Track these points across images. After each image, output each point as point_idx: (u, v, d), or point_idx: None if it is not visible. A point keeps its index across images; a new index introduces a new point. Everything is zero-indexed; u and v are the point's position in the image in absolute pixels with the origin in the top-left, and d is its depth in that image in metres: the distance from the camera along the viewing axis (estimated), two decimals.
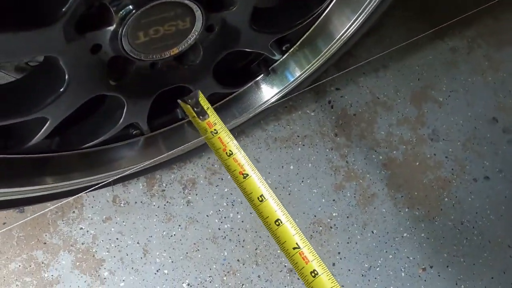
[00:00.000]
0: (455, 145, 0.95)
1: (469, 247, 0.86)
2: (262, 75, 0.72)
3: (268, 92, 0.74)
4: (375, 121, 0.94)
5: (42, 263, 0.75)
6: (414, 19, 1.06)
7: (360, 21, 0.60)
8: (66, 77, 0.41)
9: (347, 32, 0.62)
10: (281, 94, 0.72)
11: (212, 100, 0.63)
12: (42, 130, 0.47)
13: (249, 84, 0.73)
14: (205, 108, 0.54)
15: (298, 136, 0.90)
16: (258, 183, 0.49)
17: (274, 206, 0.48)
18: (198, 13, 0.44)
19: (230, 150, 0.51)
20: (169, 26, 0.44)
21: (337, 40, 0.63)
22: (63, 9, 0.33)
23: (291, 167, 0.88)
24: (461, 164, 0.93)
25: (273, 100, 0.72)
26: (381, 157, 0.91)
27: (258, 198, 0.48)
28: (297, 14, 0.56)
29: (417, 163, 0.92)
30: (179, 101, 0.54)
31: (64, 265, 0.75)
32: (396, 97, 0.98)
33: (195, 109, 0.54)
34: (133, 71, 0.49)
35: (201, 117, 0.53)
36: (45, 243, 0.76)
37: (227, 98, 0.73)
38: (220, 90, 0.62)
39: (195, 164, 0.85)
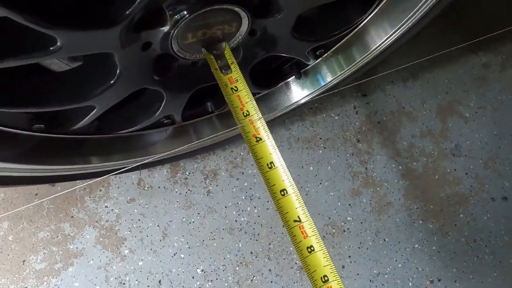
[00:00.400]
0: (477, 162, 0.95)
1: (479, 265, 0.87)
2: (294, 76, 0.74)
3: (298, 93, 0.75)
4: (398, 130, 0.95)
5: (69, 235, 0.79)
6: (450, 31, 1.04)
7: (397, 35, 0.61)
8: (118, 71, 0.43)
9: (383, 44, 0.63)
10: (310, 97, 0.73)
11: None
12: (88, 116, 0.50)
13: (279, 85, 0.75)
14: (229, 62, 0.50)
15: (321, 139, 0.92)
16: (270, 149, 0.47)
17: (282, 175, 0.46)
18: (245, 19, 0.46)
19: (247, 111, 0.49)
20: (216, 30, 0.46)
21: (372, 51, 0.64)
22: (127, 12, 0.35)
23: (311, 168, 0.90)
24: (480, 182, 0.93)
25: (302, 102, 0.74)
26: (400, 167, 0.92)
27: (267, 165, 0.46)
28: (338, 25, 0.57)
29: (436, 177, 0.92)
30: (203, 50, 0.49)
31: (88, 239, 0.80)
32: (422, 108, 0.98)
33: (219, 61, 0.49)
34: (175, 68, 0.51)
35: (223, 71, 0.49)
36: (72, 216, 0.81)
37: (257, 96, 0.75)
38: (253, 90, 0.64)
39: (218, 156, 0.88)
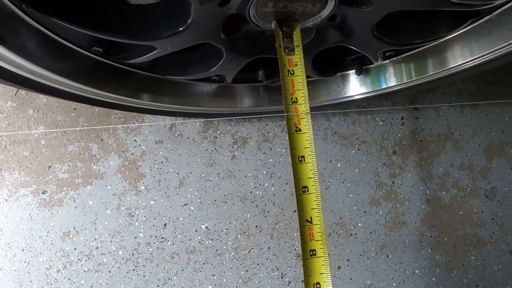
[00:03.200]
0: (508, 211, 0.90)
1: None
2: (354, 71, 0.70)
3: (354, 88, 0.72)
4: (438, 155, 0.91)
5: (95, 156, 0.83)
6: None
7: (483, 60, 0.56)
8: (189, 20, 0.42)
9: (464, 65, 0.58)
10: (366, 96, 0.70)
11: None
12: (147, 55, 0.50)
13: (336, 74, 0.72)
14: (295, 44, 0.48)
15: (358, 139, 0.89)
16: (306, 143, 0.47)
17: (309, 173, 0.46)
18: (331, 2, 0.43)
19: (296, 98, 0.48)
20: (298, 6, 0.43)
21: (450, 68, 0.60)
22: None
23: (339, 165, 0.88)
24: (504, 232, 0.89)
25: (356, 98, 0.71)
26: (428, 192, 0.89)
27: (298, 157, 0.46)
28: (424, 34, 0.53)
29: (461, 212, 0.89)
30: (274, 23, 0.48)
31: (111, 165, 0.83)
32: (471, 140, 0.92)
33: (285, 39, 0.48)
34: (243, 31, 0.49)
35: (286, 50, 0.48)
36: (102, 140, 0.83)
37: (311, 79, 0.73)
38: (311, 75, 0.62)
39: (253, 125, 0.87)
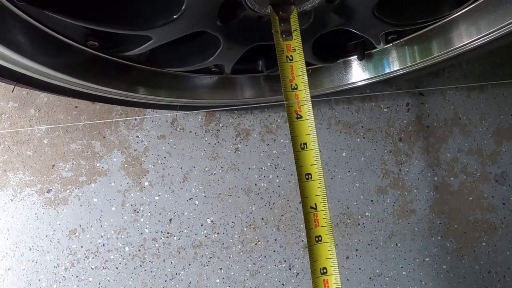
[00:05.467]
0: None
1: None
2: (356, 56, 0.69)
3: (356, 75, 0.70)
4: (445, 140, 0.89)
5: (98, 153, 0.82)
6: None
7: (491, 38, 0.54)
8: (183, 7, 0.41)
9: (471, 44, 0.56)
10: (370, 81, 0.69)
11: None
12: (143, 46, 0.49)
13: (338, 61, 0.71)
14: (293, 29, 0.46)
15: (363, 127, 0.88)
16: (308, 130, 0.46)
17: (312, 160, 0.45)
18: None
19: (296, 84, 0.47)
20: None
21: (456, 49, 0.58)
22: None
23: (344, 154, 0.87)
24: None
25: (360, 84, 0.70)
26: (436, 178, 0.87)
27: (300, 145, 0.46)
28: (426, 13, 0.51)
29: (470, 198, 0.87)
30: (270, 7, 0.46)
31: (114, 162, 0.82)
32: (479, 124, 0.90)
33: (282, 24, 0.46)
34: (240, 18, 0.48)
35: (284, 35, 0.46)
36: (104, 137, 0.83)
37: (311, 67, 0.71)
38: (311, 61, 0.61)
39: (255, 116, 0.86)
